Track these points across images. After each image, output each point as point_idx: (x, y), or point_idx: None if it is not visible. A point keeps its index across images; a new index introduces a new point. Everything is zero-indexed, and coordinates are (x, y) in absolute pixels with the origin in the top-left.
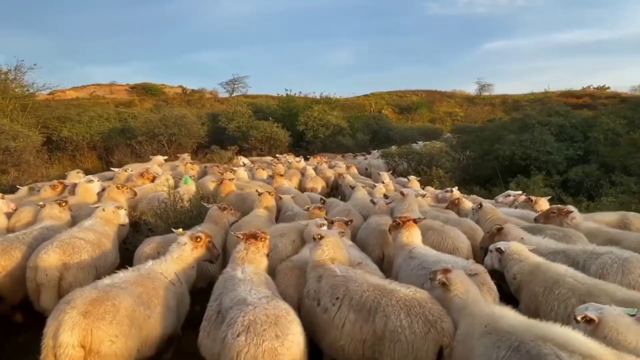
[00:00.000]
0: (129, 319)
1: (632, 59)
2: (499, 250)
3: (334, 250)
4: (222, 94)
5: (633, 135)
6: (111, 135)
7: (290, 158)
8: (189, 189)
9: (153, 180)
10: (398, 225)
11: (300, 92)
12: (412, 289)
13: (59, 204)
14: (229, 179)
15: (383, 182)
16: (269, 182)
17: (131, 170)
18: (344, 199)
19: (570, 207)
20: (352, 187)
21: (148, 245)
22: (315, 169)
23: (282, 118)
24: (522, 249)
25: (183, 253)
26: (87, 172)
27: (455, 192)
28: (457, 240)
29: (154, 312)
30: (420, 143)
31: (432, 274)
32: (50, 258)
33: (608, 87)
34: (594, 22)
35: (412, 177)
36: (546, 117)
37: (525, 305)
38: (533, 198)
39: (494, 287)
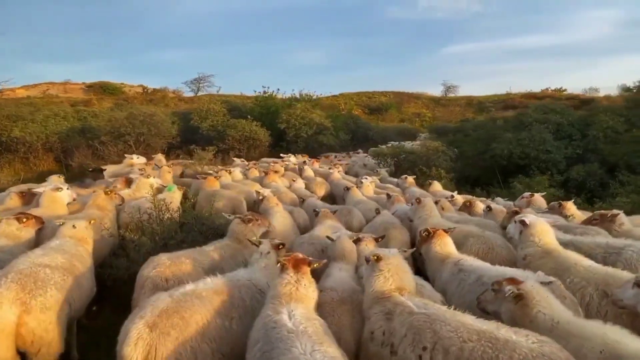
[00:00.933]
0: (200, 334)
1: (582, 62)
2: (522, 222)
3: (400, 277)
4: (187, 93)
5: (636, 133)
6: (70, 135)
7: (294, 159)
8: (172, 197)
9: (129, 185)
10: (428, 236)
11: (278, 90)
12: (532, 337)
13: (19, 219)
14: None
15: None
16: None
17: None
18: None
19: (615, 211)
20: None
21: (156, 267)
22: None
23: (260, 116)
24: (543, 230)
25: (269, 262)
26: (41, 177)
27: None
28: (504, 249)
29: (234, 324)
30: (409, 142)
31: (496, 284)
32: (3, 297)
33: (565, 89)
34: (544, 28)
35: (409, 177)
36: (542, 115)
37: None
38: (561, 202)
39: (574, 298)
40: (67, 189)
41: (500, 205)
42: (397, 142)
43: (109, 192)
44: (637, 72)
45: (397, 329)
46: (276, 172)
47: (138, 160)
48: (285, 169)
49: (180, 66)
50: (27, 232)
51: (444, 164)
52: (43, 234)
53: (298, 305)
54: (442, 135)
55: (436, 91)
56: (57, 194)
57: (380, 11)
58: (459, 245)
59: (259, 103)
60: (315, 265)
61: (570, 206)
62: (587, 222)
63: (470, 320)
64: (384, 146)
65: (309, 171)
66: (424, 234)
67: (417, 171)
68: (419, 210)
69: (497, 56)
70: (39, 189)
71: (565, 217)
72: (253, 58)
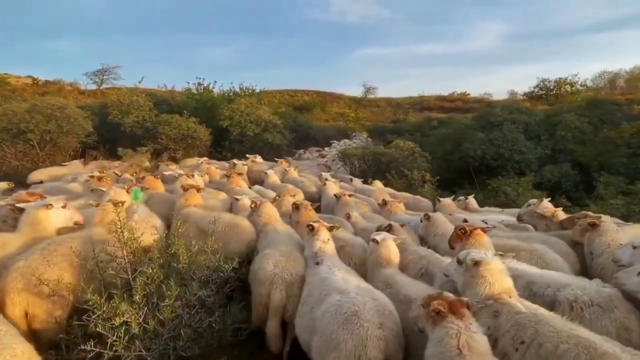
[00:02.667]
0: None
1: (478, 69)
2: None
3: (504, 280)
4: (89, 85)
5: (607, 133)
6: None
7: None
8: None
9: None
10: (464, 234)
11: (216, 82)
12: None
13: None
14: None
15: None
16: None
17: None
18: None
19: (604, 217)
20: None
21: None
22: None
23: (196, 112)
24: None
25: None
26: None
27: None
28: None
29: None
30: (348, 141)
31: None
32: None
33: (469, 94)
34: (446, 37)
35: (376, 182)
36: (509, 114)
37: None
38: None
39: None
40: (63, 206)
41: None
42: (341, 141)
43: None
44: (522, 79)
45: (503, 325)
46: (239, 174)
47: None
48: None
49: (76, 57)
50: None
51: (423, 166)
52: None
53: None
54: (382, 135)
55: (356, 92)
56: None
57: (294, 12)
58: None
59: (194, 97)
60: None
61: (559, 213)
62: (581, 230)
63: (574, 327)
64: (339, 145)
65: (292, 174)
66: (459, 231)
67: (394, 174)
68: (427, 228)
69: (407, 60)
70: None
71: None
72: (158, 51)
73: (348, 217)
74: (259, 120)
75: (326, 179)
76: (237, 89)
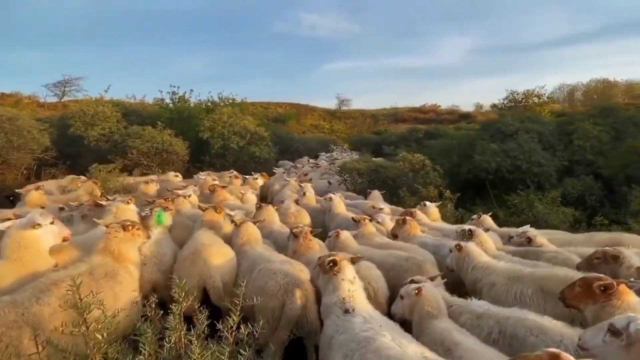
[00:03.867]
0: None
1: (445, 81)
2: None
3: None
4: (49, 98)
5: (633, 143)
6: None
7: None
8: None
9: None
10: (604, 291)
11: (192, 91)
12: None
13: None
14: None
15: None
16: None
17: None
18: None
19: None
20: None
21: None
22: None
23: (171, 123)
24: None
25: None
26: None
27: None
28: None
29: None
30: (333, 154)
31: None
32: None
33: (439, 105)
34: (413, 51)
35: (375, 192)
36: (521, 123)
37: None
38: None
39: None
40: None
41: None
42: (329, 154)
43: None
44: (487, 92)
45: None
46: (224, 187)
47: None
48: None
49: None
50: None
51: (436, 181)
52: None
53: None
54: (366, 146)
55: (329, 104)
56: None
57: (264, 26)
58: None
59: (168, 107)
60: None
61: None
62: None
63: None
64: (326, 158)
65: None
66: (596, 287)
67: (405, 191)
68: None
69: (377, 73)
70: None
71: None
72: (124, 64)
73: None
74: (243, 132)
75: (330, 198)
76: (216, 99)
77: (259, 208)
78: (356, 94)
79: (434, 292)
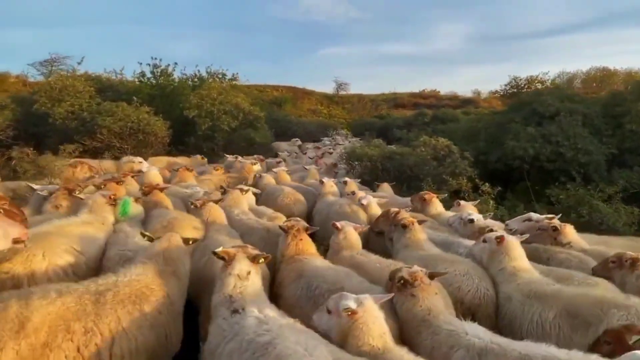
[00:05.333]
0: None
1: (443, 68)
2: None
3: None
4: (37, 77)
5: None
6: None
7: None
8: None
9: None
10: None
11: (176, 64)
12: None
13: None
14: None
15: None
16: None
17: None
18: None
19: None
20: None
21: None
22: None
23: (151, 100)
24: None
25: None
26: None
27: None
28: None
29: None
30: (353, 139)
31: None
32: None
33: (439, 91)
34: (411, 37)
35: (385, 185)
36: (560, 103)
37: None
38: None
39: None
40: None
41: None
42: (330, 138)
43: None
44: (484, 79)
45: None
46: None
47: None
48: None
49: (26, 48)
50: None
51: (467, 171)
52: None
53: None
54: (369, 131)
55: (326, 89)
56: None
57: (258, 9)
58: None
59: (149, 82)
60: None
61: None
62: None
63: None
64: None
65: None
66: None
67: (430, 183)
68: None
69: (374, 59)
70: None
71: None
72: (118, 44)
73: None
74: (235, 111)
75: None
76: (204, 74)
77: None
78: (353, 79)
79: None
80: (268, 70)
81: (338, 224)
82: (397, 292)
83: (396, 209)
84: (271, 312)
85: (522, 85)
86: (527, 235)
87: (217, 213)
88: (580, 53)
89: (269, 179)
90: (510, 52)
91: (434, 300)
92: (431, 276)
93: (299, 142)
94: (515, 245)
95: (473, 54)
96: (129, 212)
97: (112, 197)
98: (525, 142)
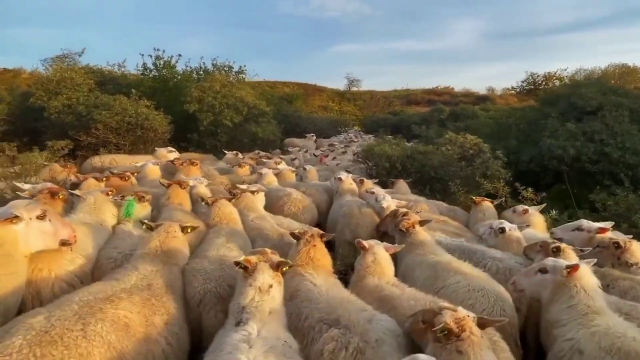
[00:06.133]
0: None
1: (455, 66)
2: None
3: None
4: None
5: None
6: None
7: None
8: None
9: None
10: None
11: (180, 56)
12: None
13: None
14: None
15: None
16: None
17: None
18: None
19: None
20: None
21: None
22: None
23: (153, 94)
24: None
25: None
26: None
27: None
28: None
29: None
30: (366, 136)
31: None
32: None
33: (452, 88)
34: (424, 34)
35: (400, 182)
36: (602, 96)
37: None
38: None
39: None
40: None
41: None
42: (342, 136)
43: None
44: (497, 77)
45: None
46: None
47: None
48: None
49: (42, 46)
50: None
51: (500, 172)
52: None
53: None
54: (381, 127)
55: (338, 85)
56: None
57: (271, 5)
58: None
59: (149, 75)
60: None
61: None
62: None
63: None
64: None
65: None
66: None
67: (458, 186)
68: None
69: (386, 57)
70: None
71: None
72: (129, 41)
73: None
74: (240, 106)
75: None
76: (210, 66)
77: None
78: (365, 77)
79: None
80: (279, 67)
81: (365, 243)
82: (436, 343)
83: (404, 210)
84: (269, 333)
85: (540, 82)
86: (594, 260)
87: (228, 210)
88: (597, 50)
89: (270, 177)
90: (524, 49)
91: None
92: (482, 325)
93: (314, 137)
94: (590, 276)
95: (486, 51)
96: (133, 214)
97: (110, 193)
98: (565, 141)
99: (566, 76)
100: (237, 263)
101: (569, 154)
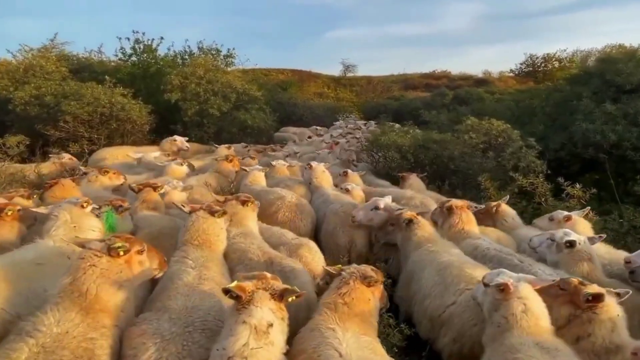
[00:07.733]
0: None
1: (451, 49)
2: None
3: None
4: None
5: None
6: None
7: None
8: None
9: None
10: None
11: (162, 39)
12: None
13: None
14: None
15: None
16: None
17: None
18: None
19: None
20: None
21: None
22: None
23: (132, 81)
24: None
25: None
26: None
27: None
28: None
29: None
30: (370, 123)
31: None
32: None
33: (450, 72)
34: (420, 18)
35: (413, 176)
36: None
37: None
38: None
39: None
40: None
41: None
42: (346, 124)
43: None
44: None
45: None
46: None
47: None
48: None
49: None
50: None
51: (536, 164)
52: None
53: None
54: (382, 114)
55: (333, 71)
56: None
57: None
58: None
59: (127, 60)
60: None
61: None
62: None
63: None
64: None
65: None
66: None
67: (485, 178)
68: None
69: (382, 41)
70: None
71: None
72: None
73: None
74: (227, 92)
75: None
76: (195, 50)
77: None
78: (360, 62)
79: None
80: (273, 54)
81: (508, 284)
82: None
83: (400, 211)
84: None
85: (539, 64)
86: None
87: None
88: (593, 30)
89: (257, 176)
90: (519, 31)
91: None
92: None
93: (315, 127)
94: None
95: (482, 34)
96: (115, 226)
97: (84, 205)
98: (603, 124)
99: (566, 57)
100: (227, 291)
101: (609, 139)
